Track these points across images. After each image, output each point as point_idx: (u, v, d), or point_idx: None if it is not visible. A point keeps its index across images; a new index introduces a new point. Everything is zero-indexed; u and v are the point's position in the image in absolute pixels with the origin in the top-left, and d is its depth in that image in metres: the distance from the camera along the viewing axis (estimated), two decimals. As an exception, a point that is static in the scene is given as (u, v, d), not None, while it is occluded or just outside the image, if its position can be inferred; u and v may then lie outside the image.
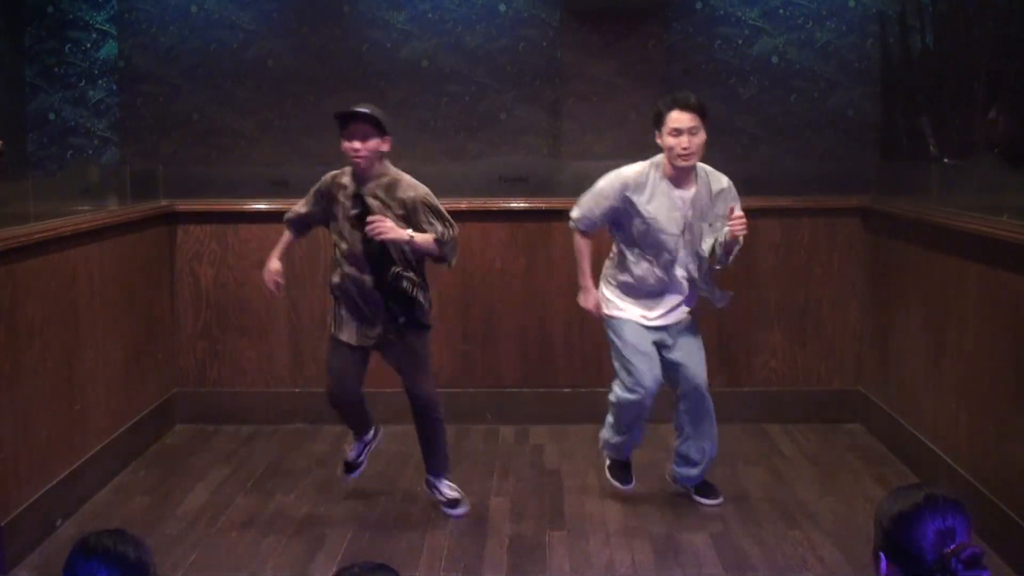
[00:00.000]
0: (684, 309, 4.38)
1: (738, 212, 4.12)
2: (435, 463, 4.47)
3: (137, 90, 6.52)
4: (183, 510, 4.52)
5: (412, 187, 4.14)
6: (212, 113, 6.53)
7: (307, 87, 6.48)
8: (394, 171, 4.19)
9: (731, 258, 4.27)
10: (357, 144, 4.07)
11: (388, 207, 4.11)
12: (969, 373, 4.34)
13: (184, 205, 5.77)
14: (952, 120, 5.60)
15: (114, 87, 6.54)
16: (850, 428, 5.67)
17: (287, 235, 4.48)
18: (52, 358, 4.32)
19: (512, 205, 5.78)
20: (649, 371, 4.29)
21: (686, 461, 4.51)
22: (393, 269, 4.16)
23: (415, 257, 4.19)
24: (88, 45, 6.51)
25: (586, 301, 4.47)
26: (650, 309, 4.34)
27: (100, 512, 4.52)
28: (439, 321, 5.49)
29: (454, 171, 6.21)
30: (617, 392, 4.38)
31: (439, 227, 4.09)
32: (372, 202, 4.12)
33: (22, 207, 4.63)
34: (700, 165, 4.26)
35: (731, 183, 4.31)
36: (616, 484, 4.58)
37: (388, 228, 4.03)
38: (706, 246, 4.27)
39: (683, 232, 4.24)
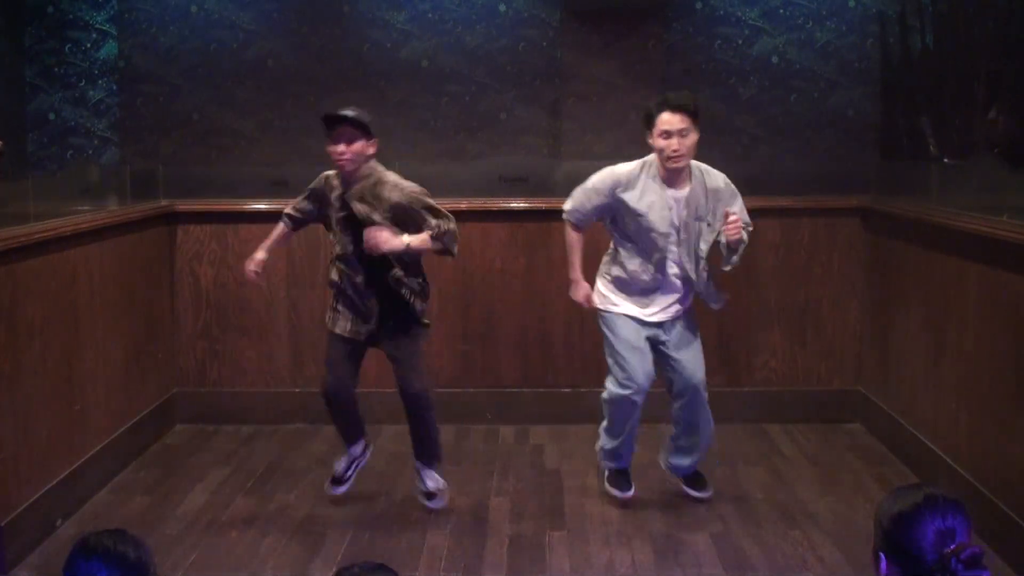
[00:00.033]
0: (678, 307, 4.37)
1: (733, 216, 4.12)
2: (422, 451, 4.47)
3: (137, 90, 6.51)
4: (183, 510, 4.53)
5: (396, 187, 4.13)
6: (212, 113, 6.53)
7: (307, 87, 6.48)
8: (380, 172, 4.18)
9: (737, 257, 4.27)
10: (342, 147, 4.06)
11: (375, 209, 4.11)
12: (969, 373, 4.34)
13: (184, 205, 5.78)
14: (952, 120, 5.59)
15: (114, 87, 6.53)
16: (850, 428, 5.68)
17: (280, 228, 4.48)
18: (52, 358, 4.32)
19: (512, 205, 5.78)
20: (641, 367, 4.29)
21: (679, 451, 4.52)
22: (394, 274, 4.16)
23: (411, 258, 4.20)
24: (88, 45, 6.51)
25: (576, 293, 4.48)
26: (644, 306, 4.34)
27: (100, 512, 4.52)
28: (439, 321, 5.51)
29: (454, 171, 6.21)
30: (609, 388, 4.37)
31: (432, 221, 4.09)
32: (358, 206, 4.12)
33: (22, 207, 4.63)
34: (695, 164, 4.26)
35: (728, 181, 4.30)
36: (615, 492, 4.57)
37: (383, 240, 4.03)
38: (706, 245, 4.27)
39: (677, 231, 4.23)
